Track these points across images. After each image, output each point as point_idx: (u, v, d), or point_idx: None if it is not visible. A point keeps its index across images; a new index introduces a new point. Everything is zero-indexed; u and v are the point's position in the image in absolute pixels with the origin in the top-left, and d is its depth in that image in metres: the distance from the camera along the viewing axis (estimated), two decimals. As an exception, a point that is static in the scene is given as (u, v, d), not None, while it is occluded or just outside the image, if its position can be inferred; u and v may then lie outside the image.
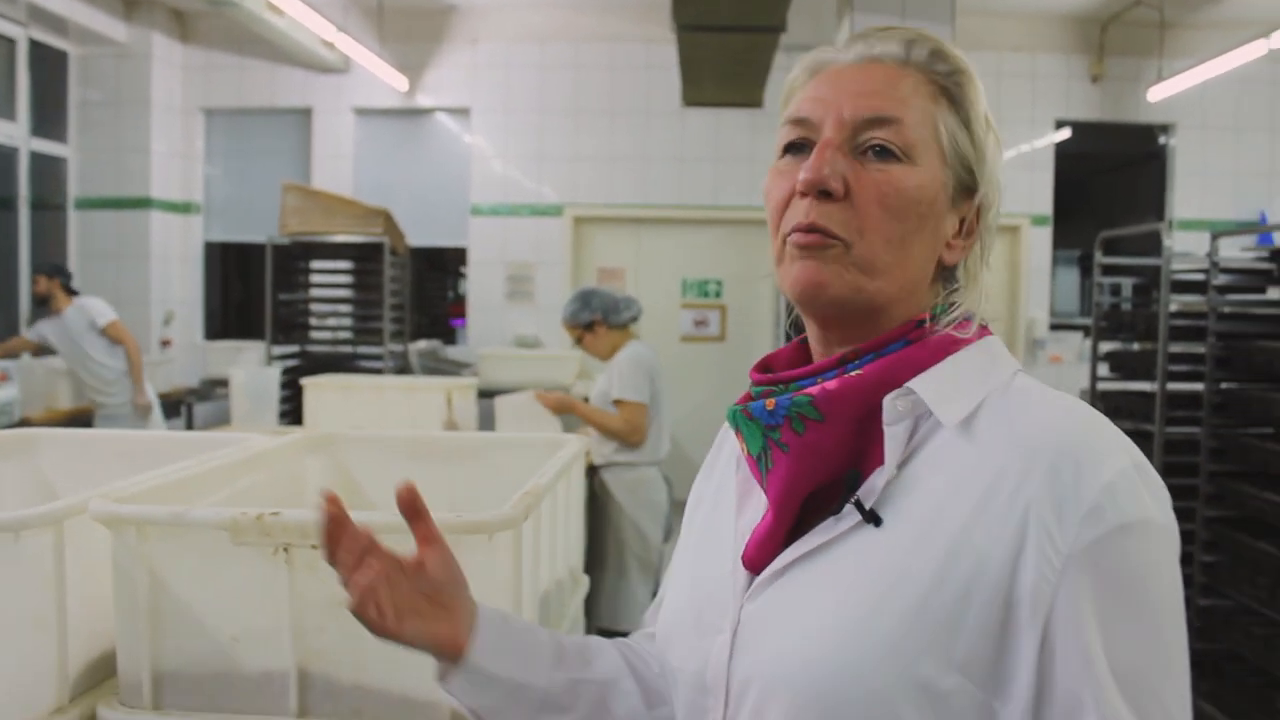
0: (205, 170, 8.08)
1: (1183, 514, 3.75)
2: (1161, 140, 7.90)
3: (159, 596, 1.31)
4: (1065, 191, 7.83)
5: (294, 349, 6.66)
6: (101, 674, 1.42)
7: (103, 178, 7.56)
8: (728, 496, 1.01)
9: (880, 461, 0.86)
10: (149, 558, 1.30)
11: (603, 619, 4.00)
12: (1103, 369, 4.59)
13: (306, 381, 4.37)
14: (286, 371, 6.01)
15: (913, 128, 0.89)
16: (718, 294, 8.15)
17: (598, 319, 4.00)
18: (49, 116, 7.32)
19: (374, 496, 2.00)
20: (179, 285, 7.93)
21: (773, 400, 0.89)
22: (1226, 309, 3.95)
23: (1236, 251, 4.30)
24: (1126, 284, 6.97)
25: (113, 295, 6.54)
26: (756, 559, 0.91)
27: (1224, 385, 3.92)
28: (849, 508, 0.86)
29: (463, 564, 1.24)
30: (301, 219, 6.30)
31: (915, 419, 0.87)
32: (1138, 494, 0.80)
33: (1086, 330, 7.38)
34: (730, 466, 1.04)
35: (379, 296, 6.47)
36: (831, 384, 0.88)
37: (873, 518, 0.85)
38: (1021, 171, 7.61)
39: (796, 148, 0.92)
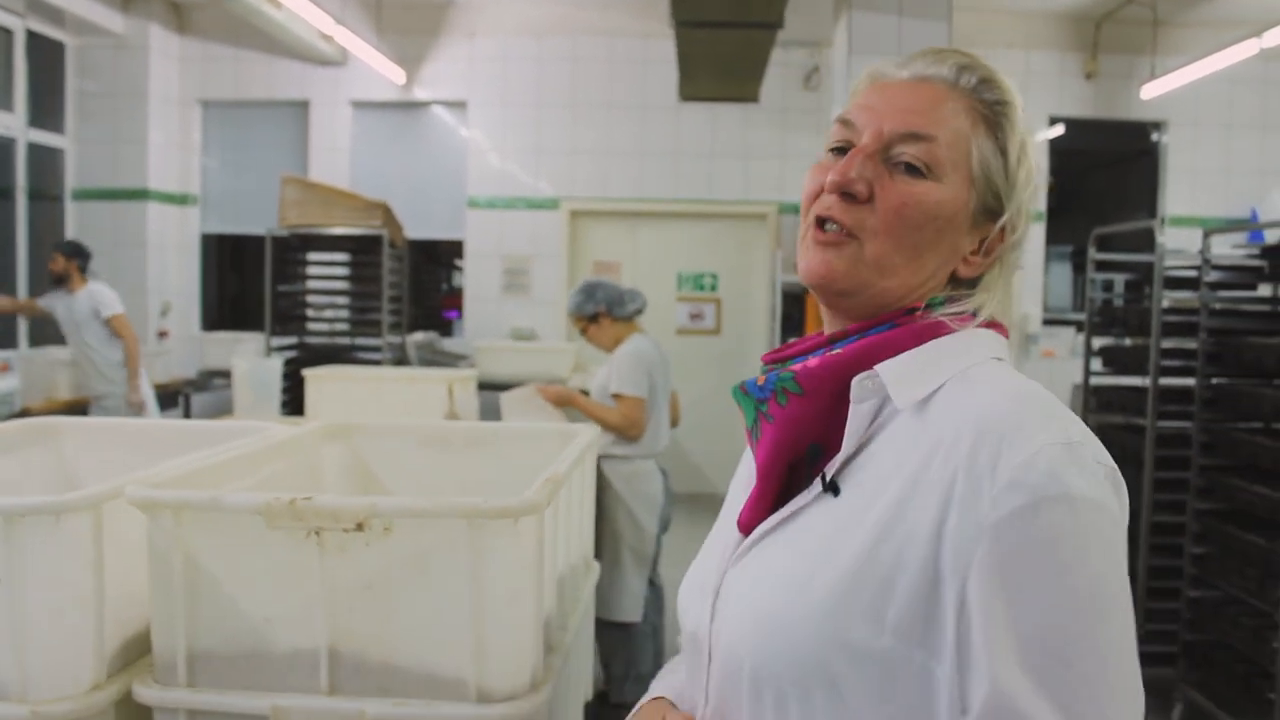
0: (202, 162, 8.09)
1: (1173, 507, 3.81)
2: (1154, 137, 7.96)
3: (193, 578, 1.36)
4: (1059, 188, 7.90)
5: (292, 340, 6.69)
6: (134, 653, 1.47)
7: (100, 169, 7.57)
8: (747, 470, 1.08)
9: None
10: (184, 541, 1.35)
11: (598, 609, 4.04)
12: (1095, 364, 4.65)
13: (308, 372, 4.41)
14: (286, 363, 6.04)
15: (944, 147, 0.95)
16: (713, 287, 8.20)
17: (602, 311, 4.03)
18: (46, 107, 7.33)
19: (390, 484, 2.04)
20: (176, 276, 7.95)
21: (763, 376, 0.98)
22: (1217, 305, 4.01)
23: (1227, 248, 4.37)
24: (1119, 280, 7.03)
25: (110, 286, 6.57)
26: (747, 525, 0.99)
27: (1215, 380, 3.98)
28: (819, 480, 0.93)
29: (488, 547, 1.30)
30: (301, 211, 6.32)
31: (882, 399, 0.93)
32: (1060, 470, 0.82)
33: (1079, 326, 7.45)
34: None
35: (378, 289, 6.51)
36: (813, 361, 0.95)
37: (832, 488, 0.92)
38: (1015, 168, 7.65)
39: (840, 150, 0.99)
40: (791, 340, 1.06)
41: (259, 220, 7.67)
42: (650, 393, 4.02)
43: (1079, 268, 8.63)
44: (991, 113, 0.97)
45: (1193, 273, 4.11)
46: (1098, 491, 0.83)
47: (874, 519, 0.88)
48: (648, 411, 4.01)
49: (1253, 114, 7.77)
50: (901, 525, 0.86)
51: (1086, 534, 0.82)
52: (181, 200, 7.98)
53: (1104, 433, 4.21)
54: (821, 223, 0.96)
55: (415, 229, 7.59)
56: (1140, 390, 4.26)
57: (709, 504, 7.74)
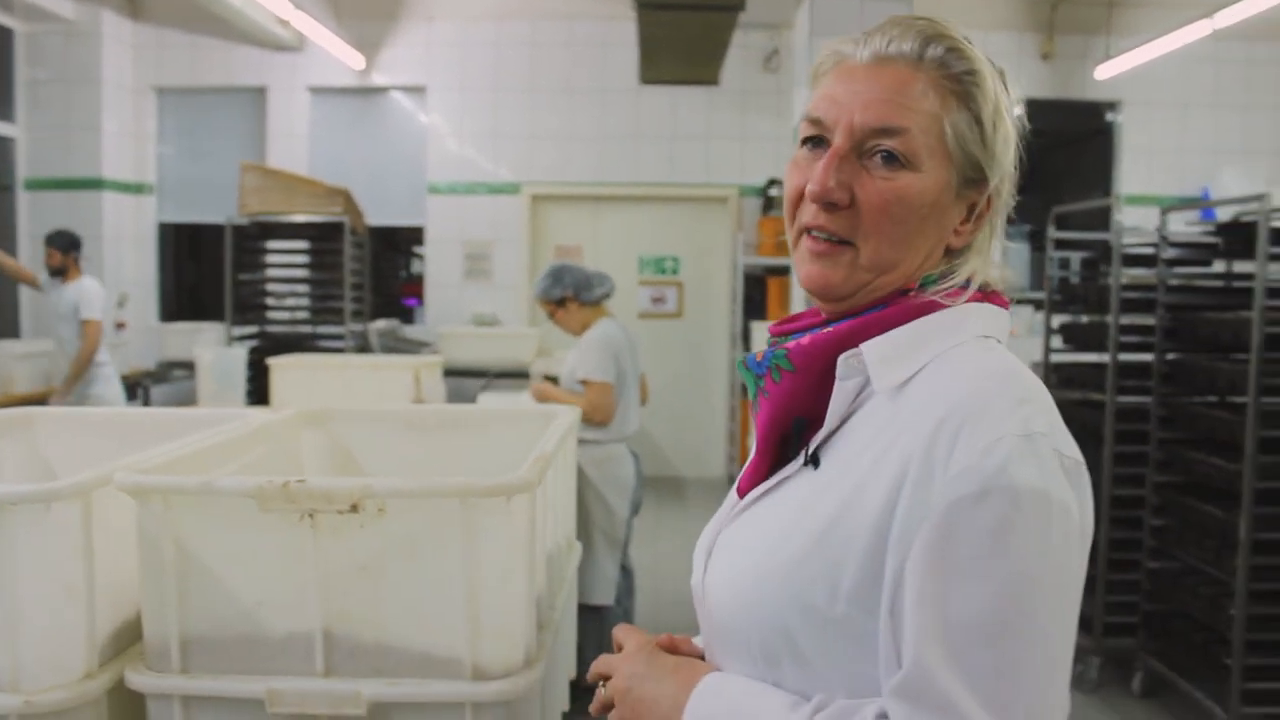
0: (158, 150, 7.98)
1: (1133, 480, 3.88)
2: (1108, 117, 8.07)
3: (185, 564, 1.36)
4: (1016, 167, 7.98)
5: (253, 330, 6.63)
6: (124, 641, 1.47)
7: (52, 158, 7.45)
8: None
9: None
10: (175, 526, 1.35)
11: (572, 592, 4.06)
12: (1055, 341, 4.71)
13: (273, 361, 4.38)
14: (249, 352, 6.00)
15: (918, 135, 0.94)
16: (675, 270, 8.22)
17: (569, 295, 4.04)
18: (-5, 96, 7.21)
19: (369, 469, 2.05)
20: (133, 267, 7.85)
21: (762, 352, 1.01)
22: (1174, 282, 4.08)
23: (1181, 226, 4.44)
24: (1075, 258, 7.13)
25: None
26: (744, 492, 1.04)
27: (1172, 356, 4.06)
28: (804, 452, 0.98)
29: (481, 526, 1.32)
30: (261, 199, 6.27)
31: (866, 377, 0.95)
32: (1013, 461, 0.83)
33: (1038, 304, 7.55)
34: None
35: (339, 276, 6.47)
36: (805, 340, 0.98)
37: (813, 460, 0.96)
38: (973, 148, 7.73)
39: (813, 141, 0.99)
40: (798, 313, 1.08)
41: (217, 208, 7.59)
42: (619, 377, 4.03)
43: (1037, 246, 8.73)
44: (961, 84, 0.96)
45: (1150, 250, 4.18)
46: (1050, 484, 0.84)
47: (840, 492, 0.91)
48: (616, 396, 4.03)
49: (1205, 94, 7.89)
50: (861, 500, 0.89)
51: (1029, 526, 0.83)
52: (137, 189, 7.87)
53: (1064, 409, 4.26)
54: (815, 233, 0.98)
55: (375, 215, 7.55)
56: (1099, 366, 4.33)
57: (673, 488, 7.80)
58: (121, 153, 7.68)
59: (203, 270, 8.39)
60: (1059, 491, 0.85)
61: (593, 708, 1.06)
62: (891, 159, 0.94)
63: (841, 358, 0.95)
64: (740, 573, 0.97)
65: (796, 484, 0.97)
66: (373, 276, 7.62)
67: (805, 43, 4.64)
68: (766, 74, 7.90)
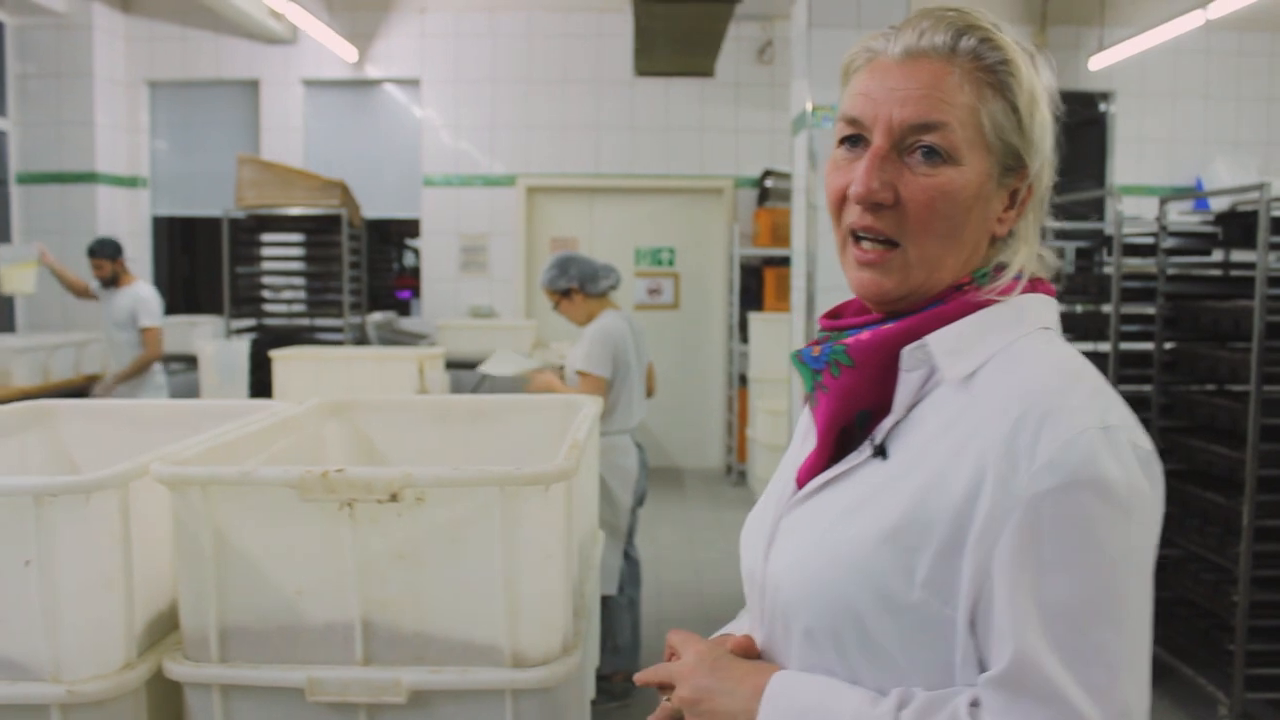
0: (151, 144, 7.95)
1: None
2: (1102, 108, 8.10)
3: (223, 554, 1.36)
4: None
5: (250, 323, 6.62)
6: (158, 632, 1.47)
7: (45, 152, 7.42)
8: (804, 425, 1.13)
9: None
10: (213, 517, 1.35)
11: (578, 582, 4.07)
12: (1055, 331, 4.72)
13: (276, 354, 4.37)
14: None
15: (958, 129, 0.95)
16: (670, 262, 8.23)
17: (574, 287, 4.04)
18: (-14, 89, 7.18)
19: (393, 459, 2.05)
20: (128, 260, 7.80)
21: (819, 347, 1.02)
22: (1172, 271, 4.11)
23: (1174, 216, 4.47)
24: (1069, 248, 7.17)
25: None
26: (803, 480, 1.04)
27: (1172, 344, 4.09)
28: (869, 442, 0.99)
29: (521, 514, 1.32)
30: (258, 192, 6.26)
31: (930, 368, 0.97)
32: (1096, 454, 0.86)
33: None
34: None
35: (338, 269, 6.47)
36: (865, 335, 0.99)
37: (880, 451, 0.98)
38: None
39: (851, 141, 1.00)
40: (844, 302, 1.09)
41: (212, 202, 7.57)
42: (622, 369, 4.04)
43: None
44: (996, 75, 0.96)
45: (1149, 239, 4.21)
46: (1130, 477, 0.88)
47: (915, 482, 0.93)
48: (615, 389, 4.03)
49: (1197, 84, 7.93)
50: (939, 490, 0.91)
51: (1114, 516, 0.86)
52: (131, 183, 7.84)
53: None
54: (857, 236, 0.99)
55: (370, 208, 7.54)
56: (1100, 355, 4.35)
57: (670, 479, 7.82)
58: (115, 146, 7.65)
59: (197, 264, 8.37)
60: (1138, 482, 0.88)
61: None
62: (932, 154, 0.95)
63: (906, 350, 0.97)
64: (810, 558, 0.98)
65: (862, 474, 0.98)
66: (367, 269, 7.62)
67: (803, 34, 4.64)
68: (760, 66, 7.91)
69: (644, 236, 8.19)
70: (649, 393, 4.45)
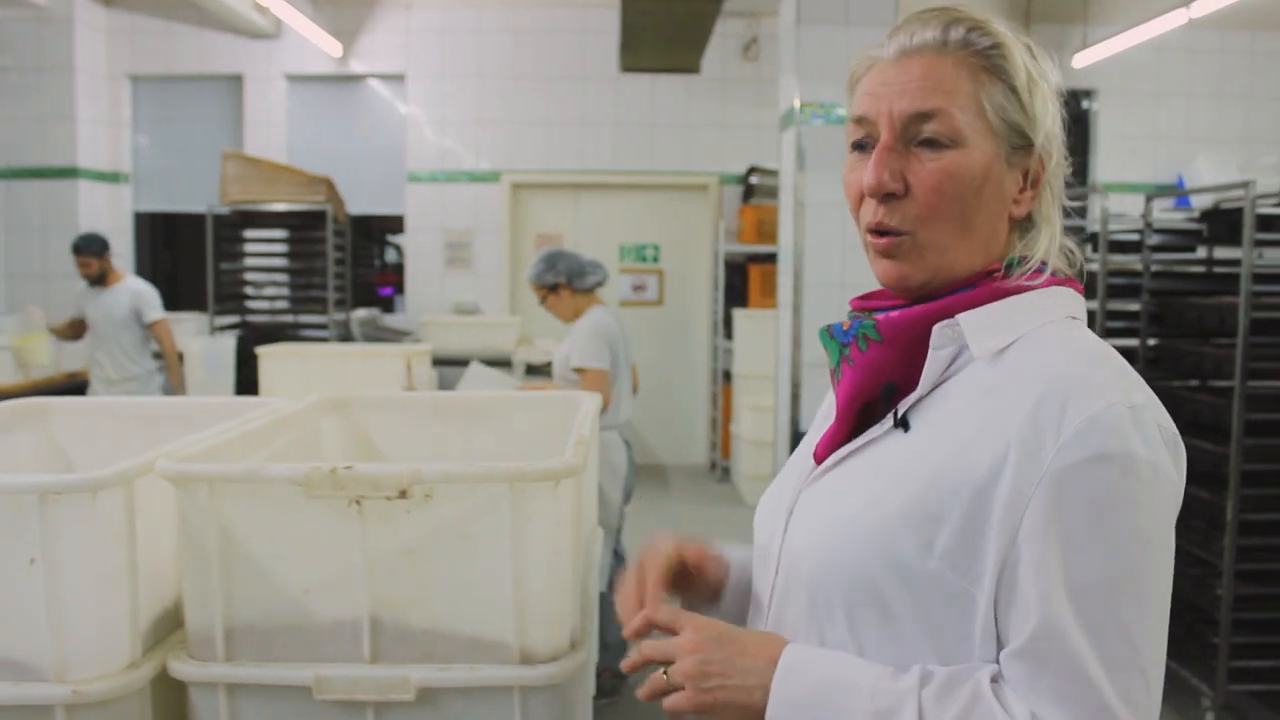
0: (133, 139, 7.89)
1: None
2: (1085, 105, 8.15)
3: (229, 552, 1.36)
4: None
5: (234, 320, 6.59)
6: (162, 631, 1.47)
7: (26, 146, 7.35)
8: (827, 406, 1.15)
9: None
10: (219, 514, 1.35)
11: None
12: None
13: (262, 350, 4.35)
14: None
15: (957, 114, 0.98)
16: (655, 259, 8.23)
17: (562, 282, 4.04)
18: (-34, 84, 7.10)
19: (391, 456, 2.05)
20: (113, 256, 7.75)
21: (848, 322, 1.05)
22: (1156, 268, 4.14)
23: (1156, 213, 4.50)
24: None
25: (40, 268, 6.41)
26: (822, 455, 1.07)
27: (1157, 340, 4.12)
28: (891, 415, 1.02)
29: (529, 510, 1.32)
30: (243, 187, 6.23)
31: (959, 348, 0.99)
32: (1122, 430, 0.88)
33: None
34: None
35: (322, 265, 6.44)
36: (895, 314, 1.01)
37: (903, 423, 1.00)
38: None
39: (861, 145, 1.03)
40: (875, 290, 1.11)
41: (195, 198, 7.53)
42: (612, 365, 4.04)
43: (1012, 234, 8.81)
44: (989, 59, 0.99)
45: (1134, 236, 4.24)
46: (1156, 454, 0.90)
47: (938, 455, 0.94)
48: (610, 382, 4.04)
49: (1179, 82, 7.99)
50: (962, 463, 0.92)
51: (1140, 492, 0.88)
52: (113, 178, 7.78)
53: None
54: (877, 231, 1.02)
55: (355, 204, 7.51)
56: (1086, 351, 4.38)
57: (655, 475, 7.82)
58: (96, 141, 7.59)
59: (179, 260, 8.31)
60: (1163, 460, 0.90)
61: (644, 693, 1.01)
62: (935, 142, 0.98)
63: (937, 327, 0.99)
64: (830, 530, 1.00)
65: (884, 446, 1.01)
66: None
67: (791, 30, 4.65)
68: (746, 62, 7.92)
69: (629, 233, 8.19)
70: (634, 390, 4.46)
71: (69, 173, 7.37)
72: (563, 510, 1.35)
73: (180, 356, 5.51)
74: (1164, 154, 8.00)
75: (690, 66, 6.88)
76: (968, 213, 0.99)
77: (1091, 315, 4.26)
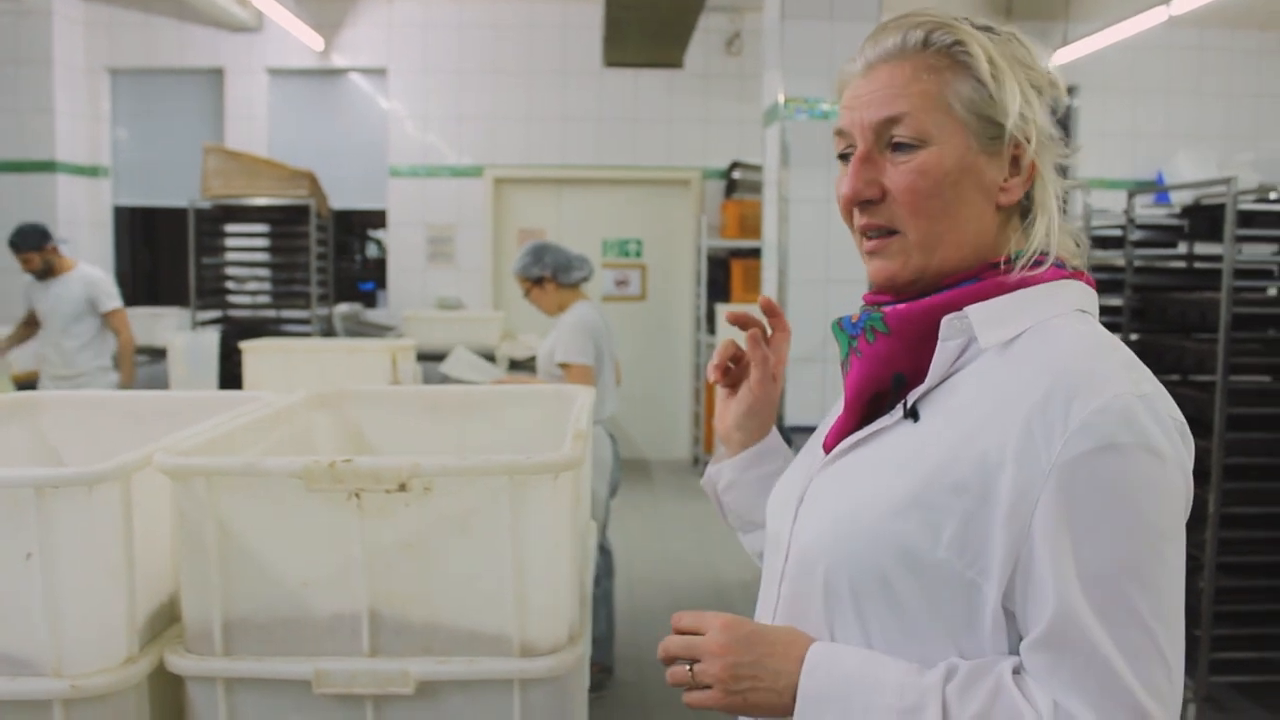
0: (113, 132, 7.83)
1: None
2: (1066, 102, 8.19)
3: (227, 546, 1.35)
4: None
5: (216, 314, 6.55)
6: (158, 625, 1.46)
7: (3, 141, 7.29)
8: (836, 408, 1.16)
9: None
10: (217, 508, 1.34)
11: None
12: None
13: (245, 345, 4.33)
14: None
15: (921, 114, 1.00)
16: (638, 254, 8.24)
17: (548, 275, 4.04)
18: (-58, 76, 7.03)
19: (385, 450, 2.04)
20: (88, 251, 7.67)
21: (858, 315, 1.07)
22: (1139, 263, 4.17)
23: (1138, 209, 4.54)
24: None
25: (17, 263, 6.32)
26: (831, 444, 1.09)
27: (1140, 335, 4.15)
28: (900, 405, 1.03)
29: (529, 504, 1.33)
30: (224, 181, 6.19)
31: (967, 340, 1.00)
32: (1131, 419, 0.89)
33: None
34: None
35: (305, 260, 6.41)
36: (903, 306, 1.03)
37: (912, 413, 1.01)
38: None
39: (845, 157, 1.06)
40: None
41: (175, 192, 7.48)
42: (596, 360, 4.04)
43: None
44: (951, 56, 1.01)
45: (1116, 232, 4.27)
46: (1165, 443, 0.90)
47: (946, 445, 0.96)
48: (594, 377, 4.04)
49: (1159, 79, 8.05)
50: (970, 453, 0.93)
51: (1151, 480, 0.89)
52: (92, 172, 7.73)
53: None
54: (866, 233, 1.05)
55: (337, 199, 7.47)
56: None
57: (639, 470, 7.83)
58: (75, 135, 7.53)
59: (159, 255, 8.26)
60: (1173, 449, 0.91)
61: (671, 683, 1.02)
62: (905, 144, 1.01)
63: (946, 319, 1.00)
64: (839, 518, 1.01)
65: (893, 436, 1.02)
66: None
67: (776, 25, 4.66)
68: (729, 57, 7.93)
69: (611, 228, 8.19)
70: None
71: (47, 166, 7.31)
72: (562, 502, 1.35)
73: (133, 350, 5.35)
74: (1144, 150, 8.06)
75: (673, 61, 6.88)
76: (948, 207, 1.01)
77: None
